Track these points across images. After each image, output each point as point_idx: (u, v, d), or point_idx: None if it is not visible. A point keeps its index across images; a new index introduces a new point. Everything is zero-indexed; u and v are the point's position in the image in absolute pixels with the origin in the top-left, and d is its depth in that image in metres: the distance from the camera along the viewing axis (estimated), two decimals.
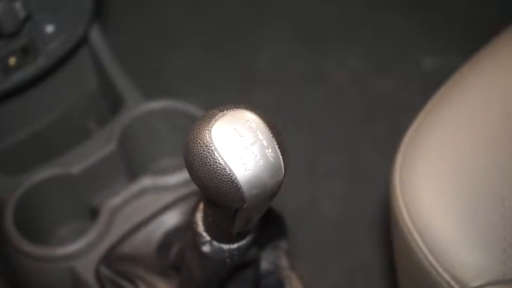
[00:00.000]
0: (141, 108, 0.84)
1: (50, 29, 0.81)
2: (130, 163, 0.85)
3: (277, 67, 1.18)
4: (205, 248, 0.50)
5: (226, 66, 1.18)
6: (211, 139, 0.40)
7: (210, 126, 0.41)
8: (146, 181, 0.78)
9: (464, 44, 0.78)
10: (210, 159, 0.40)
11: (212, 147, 0.40)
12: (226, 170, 0.40)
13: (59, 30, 0.82)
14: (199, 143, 0.41)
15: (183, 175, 0.78)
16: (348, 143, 1.07)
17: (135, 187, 0.78)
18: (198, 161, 0.41)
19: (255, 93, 1.12)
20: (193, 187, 0.76)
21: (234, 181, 0.41)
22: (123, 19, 1.19)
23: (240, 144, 0.41)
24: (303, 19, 1.25)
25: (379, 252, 0.95)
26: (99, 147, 0.81)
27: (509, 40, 0.76)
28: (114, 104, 0.88)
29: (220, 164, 0.40)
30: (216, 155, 0.40)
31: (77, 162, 0.80)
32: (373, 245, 0.97)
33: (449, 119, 0.71)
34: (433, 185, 0.67)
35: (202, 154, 0.41)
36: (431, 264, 0.62)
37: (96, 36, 0.89)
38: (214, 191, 0.42)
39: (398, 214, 0.65)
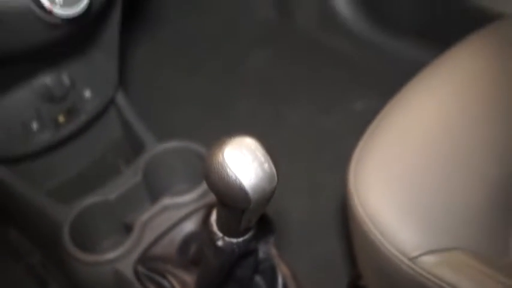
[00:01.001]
0: (157, 148, 0.83)
1: (87, 93, 0.80)
2: (153, 189, 0.83)
3: (250, 116, 1.17)
4: (219, 243, 0.49)
5: (213, 115, 1.17)
6: (224, 159, 0.40)
7: (222, 150, 0.41)
8: (166, 201, 0.77)
9: (385, 88, 0.75)
10: (224, 173, 0.40)
11: (225, 165, 0.40)
12: (237, 180, 0.40)
13: (95, 94, 0.81)
14: (216, 162, 0.40)
15: (193, 195, 0.77)
16: (307, 167, 1.06)
17: (158, 206, 0.77)
18: (215, 176, 0.40)
19: (236, 134, 1.10)
20: (202, 202, 0.76)
21: (242, 188, 0.40)
22: (138, 84, 1.18)
23: (245, 161, 0.41)
24: (268, 79, 1.25)
25: (342, 238, 0.93)
26: (129, 179, 0.80)
27: (447, 60, 0.72)
28: (136, 147, 0.87)
29: (232, 176, 0.40)
30: (229, 170, 0.40)
31: (113, 191, 0.79)
32: (336, 234, 0.95)
33: (394, 127, 0.67)
34: (379, 180, 0.63)
35: (219, 170, 0.40)
36: (381, 242, 0.59)
37: (121, 98, 0.88)
38: (228, 197, 0.41)
39: (353, 205, 0.62)
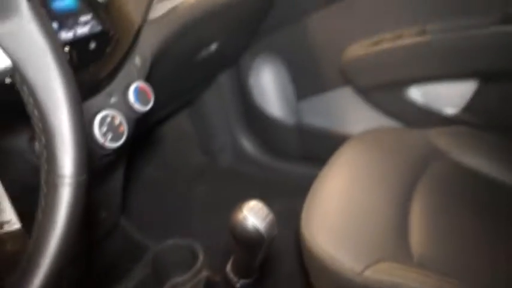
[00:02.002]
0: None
1: (103, 215, 0.87)
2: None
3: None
4: (238, 285, 0.62)
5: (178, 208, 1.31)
6: (243, 214, 0.55)
7: (242, 209, 0.55)
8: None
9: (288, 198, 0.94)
10: (246, 223, 0.55)
11: (247, 218, 0.55)
12: (255, 226, 0.54)
13: (108, 217, 0.91)
14: (239, 218, 0.55)
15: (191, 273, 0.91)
16: None
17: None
18: (240, 227, 0.54)
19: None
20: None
21: (259, 230, 0.54)
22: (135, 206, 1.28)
23: (258, 215, 0.55)
24: (208, 204, 1.41)
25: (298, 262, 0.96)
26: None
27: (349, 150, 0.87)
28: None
29: (251, 225, 0.54)
30: (249, 221, 0.55)
31: None
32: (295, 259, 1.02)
33: (329, 189, 0.81)
34: (322, 221, 0.75)
35: (243, 222, 0.55)
36: (333, 266, 0.71)
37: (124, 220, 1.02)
38: (250, 239, 0.54)
39: (304, 240, 0.74)
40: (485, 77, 1.06)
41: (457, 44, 1.03)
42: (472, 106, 1.11)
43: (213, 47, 1.11)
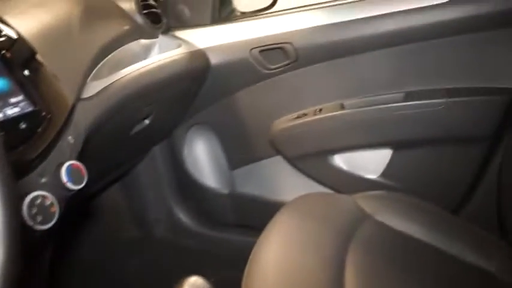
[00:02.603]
0: None
1: None
2: None
3: None
4: None
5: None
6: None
7: (184, 286, 0.58)
8: None
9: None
10: None
11: None
12: None
13: None
14: None
15: None
16: None
17: None
18: None
19: None
20: None
21: None
22: None
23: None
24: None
25: None
26: None
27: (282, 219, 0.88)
28: None
29: None
30: None
31: None
32: None
33: (267, 252, 0.82)
34: (261, 280, 0.76)
35: None
36: None
37: None
38: None
39: None
40: (398, 146, 1.14)
41: (371, 117, 1.12)
42: (389, 172, 1.17)
43: (147, 121, 1.13)
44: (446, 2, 1.02)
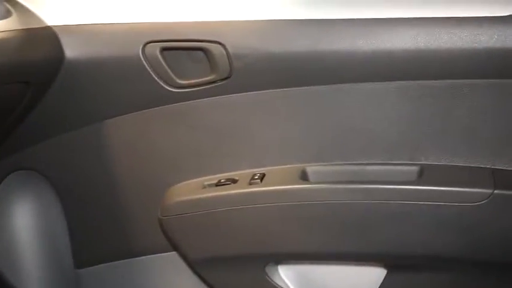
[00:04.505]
0: None
1: None
2: None
3: None
4: None
5: None
6: None
7: None
8: None
9: None
10: None
11: None
12: None
13: None
14: None
15: None
16: None
17: None
18: None
19: None
20: None
21: None
22: None
23: None
24: None
25: None
26: None
27: None
28: None
29: None
30: None
31: None
32: None
33: None
34: None
35: None
36: None
37: None
38: None
39: None
40: (397, 264, 0.86)
41: (351, 203, 0.82)
42: None
43: None
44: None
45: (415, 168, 0.82)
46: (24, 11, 0.86)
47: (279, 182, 0.83)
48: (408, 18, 0.78)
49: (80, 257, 1.01)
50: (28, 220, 1.01)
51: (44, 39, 0.85)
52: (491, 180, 0.79)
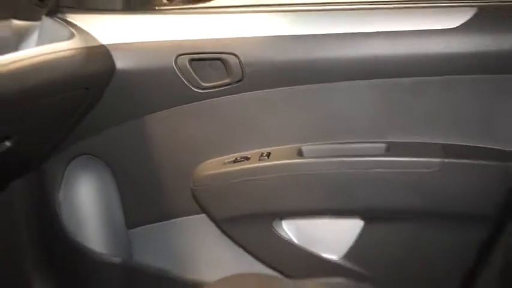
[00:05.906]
0: None
1: None
2: None
3: None
4: None
5: None
6: None
7: None
8: None
9: None
10: None
11: None
12: None
13: None
14: None
15: None
16: None
17: None
18: None
19: None
20: None
21: None
22: None
23: None
24: None
25: None
26: None
27: None
28: None
29: None
30: None
31: None
32: None
33: None
34: None
35: None
36: None
37: None
38: None
39: None
40: (372, 217, 1.00)
41: (337, 172, 0.98)
42: (357, 252, 1.02)
43: (7, 143, 0.92)
44: (460, 26, 0.91)
45: (384, 145, 0.97)
46: (83, 33, 1.00)
47: (282, 158, 0.99)
48: (377, 32, 0.94)
49: (130, 219, 1.14)
50: (90, 192, 1.16)
51: (99, 55, 0.99)
52: (442, 153, 0.95)
